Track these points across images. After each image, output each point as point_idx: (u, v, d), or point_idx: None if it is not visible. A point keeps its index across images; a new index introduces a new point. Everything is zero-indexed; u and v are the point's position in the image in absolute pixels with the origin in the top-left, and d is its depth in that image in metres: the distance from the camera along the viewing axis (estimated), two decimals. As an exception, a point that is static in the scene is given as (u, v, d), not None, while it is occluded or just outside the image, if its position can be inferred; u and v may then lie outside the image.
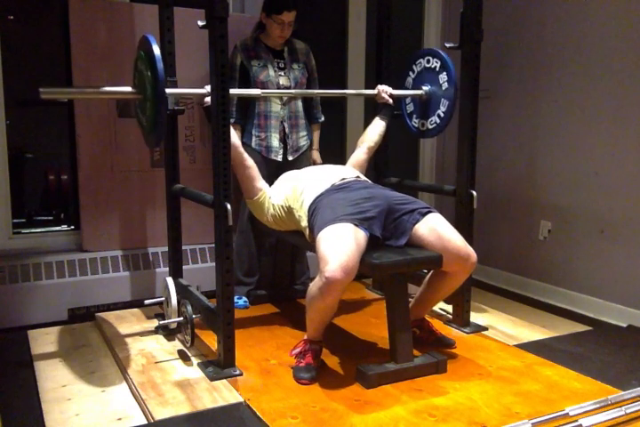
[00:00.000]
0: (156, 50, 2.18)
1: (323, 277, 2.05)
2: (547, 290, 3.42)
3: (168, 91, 2.34)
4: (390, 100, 2.92)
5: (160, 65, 2.14)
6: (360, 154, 2.88)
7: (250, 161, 2.61)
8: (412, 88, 3.02)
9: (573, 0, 3.20)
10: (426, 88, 2.92)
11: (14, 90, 3.03)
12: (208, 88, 2.38)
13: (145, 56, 2.24)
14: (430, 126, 2.94)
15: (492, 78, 3.62)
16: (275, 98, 2.99)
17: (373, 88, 2.99)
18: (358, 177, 2.60)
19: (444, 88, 2.81)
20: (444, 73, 2.80)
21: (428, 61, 2.90)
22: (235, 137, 2.47)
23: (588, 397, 2.10)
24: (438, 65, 2.85)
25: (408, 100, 3.10)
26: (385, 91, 2.91)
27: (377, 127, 2.94)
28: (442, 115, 2.84)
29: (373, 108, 3.29)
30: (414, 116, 3.06)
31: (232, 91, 2.56)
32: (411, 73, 3.03)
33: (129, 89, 2.39)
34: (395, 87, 2.98)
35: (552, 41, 3.33)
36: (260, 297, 3.17)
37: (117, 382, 2.31)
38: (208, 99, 2.40)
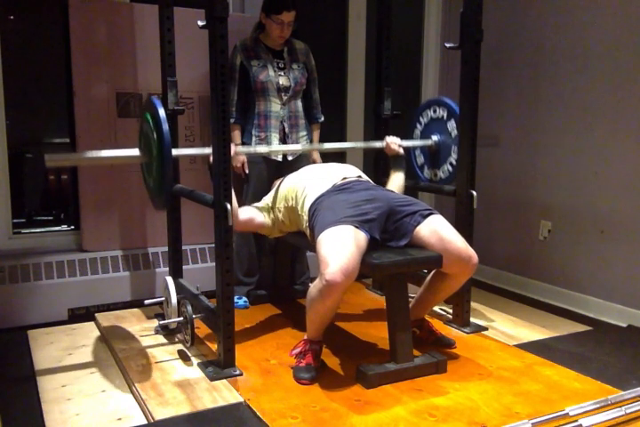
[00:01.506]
0: (162, 113, 2.18)
1: (323, 279, 2.05)
2: (547, 290, 3.43)
3: (175, 153, 2.32)
4: (401, 151, 2.83)
5: (166, 127, 2.15)
6: None
7: (242, 213, 2.54)
8: (421, 139, 3.01)
9: (573, 2, 3.20)
10: (435, 138, 2.91)
11: (14, 90, 3.03)
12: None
13: (150, 119, 2.24)
14: (443, 175, 2.93)
15: (492, 78, 3.62)
16: (274, 98, 2.99)
17: (373, 88, 2.99)
18: (360, 176, 2.60)
19: (453, 136, 2.80)
20: (452, 121, 2.79)
21: (435, 111, 2.90)
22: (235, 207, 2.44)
23: (588, 397, 2.10)
24: (445, 114, 2.85)
25: (418, 151, 3.09)
26: (394, 142, 2.83)
27: (396, 181, 2.80)
28: (454, 162, 2.81)
29: (373, 107, 3.30)
30: (425, 167, 3.06)
31: (240, 149, 2.63)
32: (418, 125, 3.03)
33: (135, 152, 2.38)
34: (401, 135, 2.91)
35: (552, 41, 3.33)
36: (260, 297, 3.17)
37: (117, 382, 2.31)
38: None
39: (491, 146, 3.14)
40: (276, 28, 2.92)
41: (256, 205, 2.68)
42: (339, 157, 3.72)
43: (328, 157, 3.23)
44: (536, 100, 3.45)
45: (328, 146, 2.88)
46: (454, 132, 2.78)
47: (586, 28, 3.15)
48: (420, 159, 3.08)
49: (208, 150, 2.34)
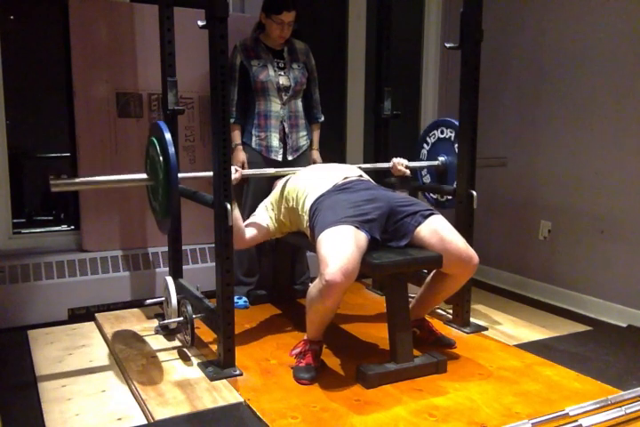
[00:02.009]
0: (168, 137, 2.19)
1: (323, 279, 2.05)
2: (547, 290, 3.43)
3: (181, 176, 2.33)
4: (408, 172, 2.82)
5: (172, 151, 2.16)
6: None
7: (248, 232, 2.54)
8: (428, 160, 3.01)
9: (573, 3, 3.20)
10: (442, 158, 2.92)
11: (14, 90, 3.03)
12: None
13: (157, 143, 2.25)
14: (449, 197, 2.93)
15: (492, 78, 3.62)
16: (274, 97, 2.99)
17: (373, 88, 2.99)
18: (361, 176, 2.60)
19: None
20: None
21: (442, 132, 2.91)
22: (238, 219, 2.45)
23: (588, 397, 2.10)
24: (453, 135, 2.85)
25: (424, 172, 3.10)
26: (400, 163, 2.82)
27: None
28: None
29: (373, 106, 3.30)
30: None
31: (246, 172, 2.64)
32: (425, 145, 3.04)
33: (142, 176, 2.38)
34: (409, 160, 2.89)
35: (552, 41, 3.33)
36: (260, 297, 3.17)
37: (117, 382, 2.31)
38: None
39: (499, 166, 3.13)
40: (276, 28, 2.92)
41: (257, 216, 2.66)
42: (339, 157, 3.72)
43: (328, 157, 3.23)
44: (536, 100, 3.45)
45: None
46: None
47: (586, 28, 3.15)
48: (427, 180, 3.09)
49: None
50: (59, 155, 3.45)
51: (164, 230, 2.49)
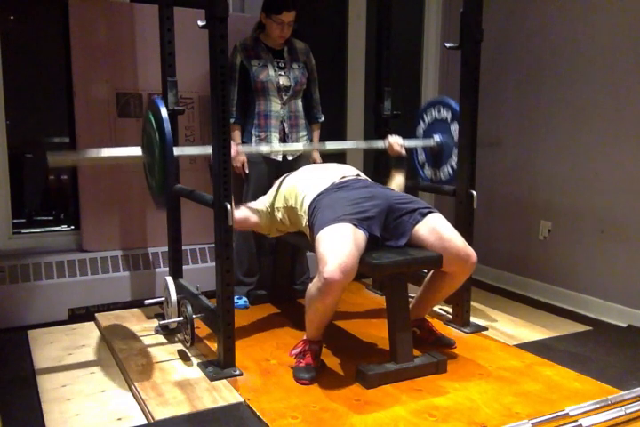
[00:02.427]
0: (164, 113, 2.18)
1: (321, 277, 2.05)
2: (547, 290, 3.42)
3: (177, 152, 2.32)
4: (403, 152, 2.82)
5: (168, 128, 2.15)
6: None
7: (238, 212, 2.53)
8: (424, 137, 3.00)
9: (573, 3, 3.20)
10: (437, 138, 2.91)
11: (14, 90, 3.03)
12: None
13: (153, 119, 2.24)
14: (443, 177, 2.93)
15: (492, 78, 3.62)
16: (274, 97, 2.99)
17: (373, 88, 2.99)
18: (359, 175, 2.60)
19: (455, 139, 2.79)
20: (456, 123, 2.79)
21: (439, 111, 2.89)
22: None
23: (588, 397, 2.10)
24: (449, 116, 2.84)
25: (419, 149, 3.09)
26: (397, 142, 2.82)
27: (397, 182, 2.81)
28: (454, 165, 2.81)
29: (373, 105, 3.30)
30: (426, 165, 3.06)
31: (241, 148, 2.63)
32: (421, 122, 3.03)
33: (138, 152, 2.38)
34: (405, 136, 2.90)
35: (552, 41, 3.33)
36: (260, 297, 3.17)
37: (117, 382, 2.31)
38: None
39: (493, 145, 3.12)
40: (277, 28, 2.92)
41: (253, 204, 2.67)
42: (339, 157, 3.72)
43: (328, 157, 3.23)
44: (536, 100, 3.45)
45: (330, 145, 2.88)
46: (457, 136, 2.78)
47: (586, 28, 3.14)
48: (422, 157, 3.08)
49: (210, 150, 2.35)
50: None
51: (160, 207, 2.48)
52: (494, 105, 3.67)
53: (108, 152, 2.32)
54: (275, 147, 2.90)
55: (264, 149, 2.83)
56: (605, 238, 3.11)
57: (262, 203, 2.66)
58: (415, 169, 3.11)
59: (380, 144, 2.87)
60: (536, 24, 3.42)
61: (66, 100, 3.17)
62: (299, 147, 3.00)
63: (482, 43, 2.65)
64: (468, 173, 2.72)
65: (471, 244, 2.39)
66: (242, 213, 2.57)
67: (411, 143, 2.92)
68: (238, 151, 2.56)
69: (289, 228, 2.60)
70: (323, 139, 3.27)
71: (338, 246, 2.09)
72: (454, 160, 2.81)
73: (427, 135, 3.00)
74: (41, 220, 3.39)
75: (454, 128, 2.80)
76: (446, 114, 2.86)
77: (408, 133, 3.02)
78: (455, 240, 2.29)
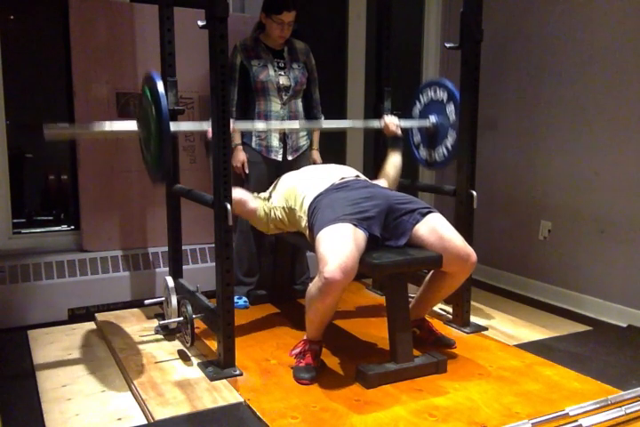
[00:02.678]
0: (160, 87, 2.17)
1: (322, 277, 2.05)
2: (547, 290, 3.43)
3: (173, 128, 2.31)
4: (399, 132, 2.85)
5: (164, 102, 2.13)
6: (383, 185, 2.77)
7: (236, 192, 2.53)
8: (420, 118, 3.00)
9: (573, 3, 3.20)
10: (433, 119, 2.91)
11: (14, 90, 3.03)
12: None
13: (149, 93, 2.23)
14: (438, 158, 2.93)
15: (492, 78, 3.62)
16: (275, 97, 2.99)
17: (373, 88, 2.98)
18: (358, 176, 2.60)
19: (451, 120, 2.80)
20: (452, 104, 2.79)
21: (435, 92, 2.89)
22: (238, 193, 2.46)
23: (588, 397, 2.10)
24: (445, 96, 2.83)
25: (415, 130, 3.08)
26: (393, 123, 2.84)
27: (393, 161, 2.86)
28: (449, 147, 2.81)
29: (373, 106, 3.30)
30: (421, 146, 3.05)
31: (238, 124, 2.62)
32: (417, 103, 3.02)
33: (134, 126, 2.37)
34: (401, 117, 2.92)
35: (552, 41, 3.33)
36: (260, 297, 3.17)
37: (117, 382, 2.31)
38: (211, 133, 2.38)
39: (489, 128, 3.11)
40: (277, 28, 2.92)
41: (254, 194, 2.68)
42: (339, 158, 3.72)
43: (328, 158, 3.23)
44: (536, 100, 3.45)
45: (326, 124, 2.93)
46: (452, 117, 2.78)
47: (586, 28, 3.15)
48: (417, 138, 3.07)
49: (206, 125, 2.36)
50: (58, 155, 3.45)
51: (155, 182, 2.47)
52: (494, 105, 3.67)
53: (104, 126, 2.31)
54: (271, 124, 2.89)
55: (260, 125, 2.81)
56: (605, 238, 3.11)
57: (262, 196, 2.66)
58: (410, 150, 3.11)
59: (376, 124, 2.91)
60: (536, 24, 3.42)
61: (66, 100, 3.17)
62: (294, 125, 2.98)
63: (482, 43, 2.66)
64: (467, 173, 2.72)
65: (471, 244, 2.39)
66: (241, 195, 2.57)
67: (406, 124, 2.94)
68: (235, 129, 2.55)
69: (287, 227, 2.60)
70: (323, 138, 3.28)
71: (338, 246, 2.09)
72: (449, 141, 2.81)
73: (423, 116, 2.99)
74: (41, 220, 3.40)
75: (450, 109, 2.80)
76: (442, 95, 2.85)
77: (405, 112, 3.04)
78: (455, 240, 2.30)
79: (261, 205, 2.61)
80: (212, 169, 2.24)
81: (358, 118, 3.90)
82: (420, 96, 3.00)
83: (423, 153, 3.04)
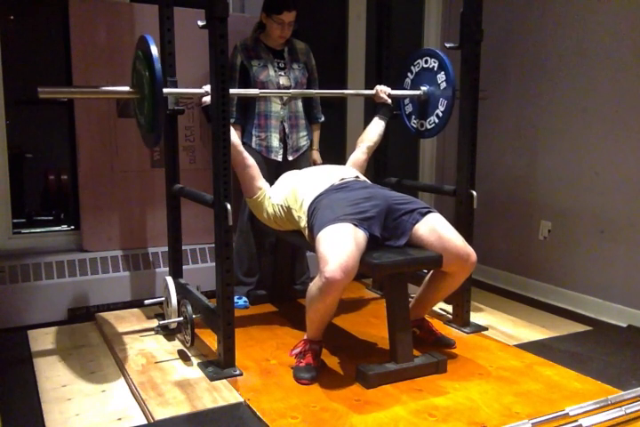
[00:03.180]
0: (154, 50, 2.17)
1: (322, 277, 2.05)
2: (547, 290, 3.43)
3: (166, 90, 2.33)
4: (389, 100, 2.92)
5: (158, 65, 2.14)
6: (359, 154, 2.88)
7: (250, 160, 2.61)
8: (411, 89, 3.02)
9: (573, 3, 3.20)
10: (424, 88, 2.92)
11: (15, 90, 3.03)
12: (206, 88, 2.38)
13: (143, 56, 2.24)
14: (429, 126, 2.94)
15: (492, 78, 3.62)
16: (275, 98, 2.99)
17: (373, 88, 2.99)
18: (357, 177, 2.60)
19: (442, 88, 2.81)
20: (442, 73, 2.80)
21: (427, 62, 2.90)
22: (234, 136, 2.48)
23: (588, 397, 2.10)
24: (436, 65, 2.84)
25: (407, 100, 3.10)
26: (383, 91, 2.91)
27: (376, 127, 2.95)
28: (440, 114, 2.84)
29: (373, 107, 3.30)
30: (413, 116, 3.06)
31: (231, 91, 2.57)
32: (409, 74, 3.03)
33: (127, 89, 2.39)
34: (393, 88, 2.98)
35: (552, 41, 3.33)
36: (260, 297, 3.17)
37: (117, 382, 2.31)
38: (207, 98, 2.40)
39: (480, 99, 3.12)
40: (277, 28, 2.92)
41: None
42: (339, 158, 3.72)
43: (328, 159, 3.23)
44: (536, 100, 3.45)
45: (317, 91, 2.98)
46: (443, 85, 2.80)
47: (586, 28, 3.15)
48: (409, 108, 3.09)
49: (201, 90, 2.41)
50: (59, 155, 3.45)
51: (149, 145, 2.47)
52: (494, 105, 3.67)
53: (99, 88, 2.36)
54: (264, 91, 2.87)
55: (253, 91, 2.78)
56: (605, 238, 3.11)
57: (268, 187, 2.67)
58: (402, 120, 3.13)
59: (367, 92, 2.97)
60: (536, 24, 3.42)
61: (66, 99, 3.17)
62: (290, 92, 2.94)
63: (482, 43, 2.66)
64: (468, 173, 2.72)
65: (471, 244, 2.39)
66: (252, 163, 2.61)
67: (397, 92, 2.97)
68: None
69: (288, 226, 2.59)
70: (323, 139, 3.28)
71: (339, 246, 2.09)
72: (440, 110, 2.83)
73: (414, 86, 3.01)
74: (41, 220, 3.40)
75: (441, 77, 2.81)
76: (433, 63, 2.86)
77: (397, 86, 3.06)
78: (455, 240, 2.30)
79: (265, 192, 2.62)
80: (212, 167, 2.24)
81: (358, 118, 3.90)
82: (412, 67, 3.01)
83: (415, 123, 3.06)
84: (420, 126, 3.01)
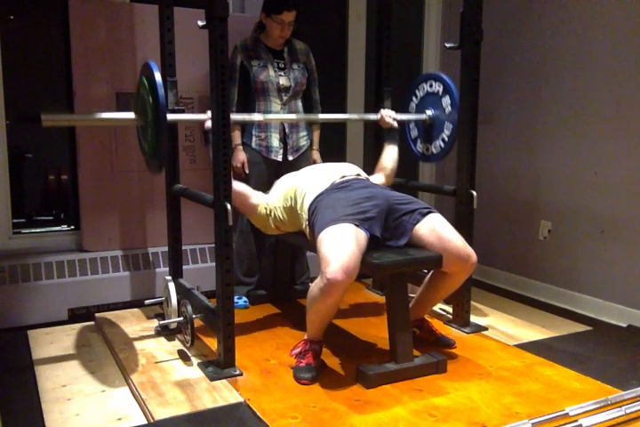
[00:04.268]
0: (158, 76, 2.17)
1: (324, 278, 2.05)
2: (547, 290, 3.42)
3: (170, 117, 2.32)
4: (395, 124, 2.88)
5: (161, 92, 2.14)
6: (381, 178, 2.83)
7: (238, 185, 2.56)
8: (416, 113, 3.01)
9: (573, 3, 3.20)
10: (429, 112, 2.92)
11: (15, 90, 3.03)
12: (209, 113, 2.37)
13: (147, 82, 2.23)
14: (435, 151, 2.94)
15: (492, 78, 3.62)
16: (275, 98, 2.99)
17: (373, 88, 2.99)
18: (359, 175, 2.60)
19: (447, 112, 2.81)
20: (447, 97, 2.80)
21: (431, 86, 2.90)
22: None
23: (587, 397, 2.10)
24: (441, 89, 2.84)
25: (412, 124, 3.10)
26: (389, 115, 2.87)
27: (391, 153, 2.87)
28: (446, 139, 2.83)
29: (373, 108, 3.30)
30: (419, 140, 3.06)
31: (233, 116, 2.59)
32: (414, 98, 3.03)
33: (131, 115, 2.38)
34: (396, 107, 2.95)
35: (552, 41, 3.33)
36: (260, 297, 3.17)
37: (117, 382, 2.31)
38: (209, 123, 2.39)
39: (484, 122, 3.12)
40: (277, 28, 2.92)
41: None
42: (339, 157, 3.72)
43: (328, 157, 3.23)
44: (536, 100, 3.45)
45: (323, 116, 2.96)
46: (448, 109, 2.79)
47: (586, 28, 3.15)
48: (414, 132, 3.09)
49: (204, 116, 2.38)
50: (59, 155, 3.45)
51: (154, 171, 2.47)
52: (494, 105, 3.67)
53: (102, 115, 2.32)
54: (269, 116, 2.89)
55: (257, 117, 2.81)
56: (605, 238, 3.11)
57: (263, 197, 2.66)
58: (407, 144, 3.12)
59: (372, 116, 2.93)
60: (536, 24, 3.42)
61: (66, 100, 3.17)
62: (292, 117, 2.98)
63: (482, 43, 2.66)
64: (468, 173, 2.72)
65: (471, 244, 2.39)
66: (242, 188, 2.58)
67: (403, 117, 2.95)
68: (234, 120, 2.56)
69: (288, 226, 2.60)
70: (323, 139, 3.28)
71: (340, 247, 2.09)
72: (446, 134, 2.83)
73: (419, 110, 3.01)
74: (41, 220, 3.40)
75: (446, 101, 2.81)
76: (438, 87, 2.87)
77: (401, 108, 3.05)
78: (455, 240, 2.30)
79: (262, 203, 2.60)
80: (212, 167, 2.24)
81: (358, 118, 3.90)
82: (416, 91, 3.01)
83: (420, 147, 3.05)
84: (426, 150, 3.00)
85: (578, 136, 3.22)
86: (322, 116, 2.91)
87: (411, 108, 3.06)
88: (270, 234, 2.73)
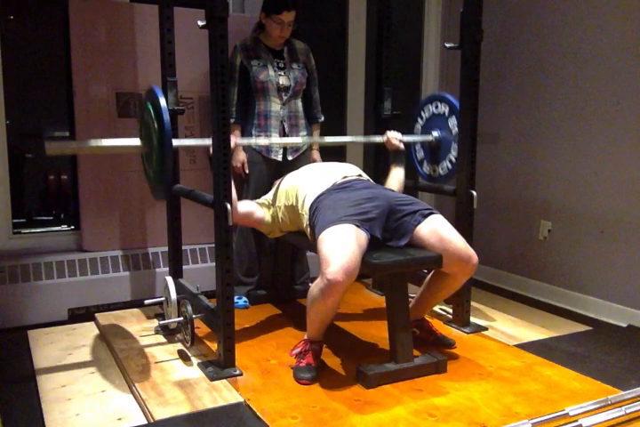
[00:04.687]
0: (163, 102, 2.18)
1: (324, 278, 2.05)
2: (547, 290, 3.43)
3: (175, 143, 2.32)
4: (402, 146, 2.84)
5: (167, 117, 2.15)
6: None
7: (242, 206, 2.56)
8: (422, 134, 3.00)
9: (573, 3, 3.20)
10: (436, 134, 2.91)
11: (15, 90, 3.03)
12: None
13: (152, 108, 2.24)
14: (442, 172, 2.92)
15: (492, 78, 3.62)
16: (274, 97, 2.99)
17: (373, 88, 2.99)
18: (360, 175, 2.60)
19: (454, 133, 2.79)
20: (454, 117, 2.79)
21: (437, 107, 2.89)
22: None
23: (588, 397, 2.10)
24: (447, 110, 2.84)
25: (418, 146, 3.09)
26: (395, 137, 2.84)
27: (398, 175, 2.83)
28: (453, 160, 2.81)
29: (373, 108, 3.30)
30: (425, 162, 3.06)
31: (240, 141, 2.66)
32: (419, 119, 3.03)
33: (136, 142, 2.38)
34: (403, 133, 2.92)
35: (552, 41, 3.33)
36: (260, 297, 3.17)
37: (117, 382, 2.31)
38: None
39: (490, 143, 3.12)
40: (276, 28, 2.92)
41: (257, 201, 2.68)
42: (339, 156, 3.72)
43: (329, 157, 3.23)
44: (536, 101, 3.45)
45: (329, 139, 2.90)
46: (455, 130, 2.78)
47: (586, 29, 3.15)
48: (420, 154, 3.08)
49: (209, 141, 2.35)
50: (58, 155, 3.45)
51: (158, 197, 2.47)
52: (494, 105, 3.67)
53: (106, 142, 2.31)
54: (273, 139, 2.90)
55: (262, 141, 2.83)
56: (605, 238, 3.11)
57: (266, 201, 2.66)
58: (414, 166, 3.11)
59: (377, 139, 2.90)
60: (536, 24, 3.42)
61: (66, 99, 3.17)
62: (297, 140, 2.99)
63: (482, 43, 2.65)
64: (467, 173, 2.72)
65: (471, 244, 2.39)
66: (246, 208, 2.57)
67: (409, 138, 2.93)
68: (237, 143, 2.56)
69: (289, 227, 2.60)
70: (323, 139, 3.28)
71: (341, 247, 2.09)
72: (453, 155, 2.81)
73: (425, 131, 3.00)
74: (41, 220, 3.40)
75: (452, 122, 2.80)
76: (444, 109, 2.86)
77: (407, 130, 3.02)
78: (456, 241, 2.29)
79: (267, 212, 2.61)
80: (213, 167, 2.24)
81: (358, 118, 3.90)
82: (422, 112, 3.00)
83: (427, 169, 3.04)
84: (433, 172, 2.99)
85: (578, 136, 3.22)
86: (327, 139, 2.88)
87: (416, 130, 3.06)
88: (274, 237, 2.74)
